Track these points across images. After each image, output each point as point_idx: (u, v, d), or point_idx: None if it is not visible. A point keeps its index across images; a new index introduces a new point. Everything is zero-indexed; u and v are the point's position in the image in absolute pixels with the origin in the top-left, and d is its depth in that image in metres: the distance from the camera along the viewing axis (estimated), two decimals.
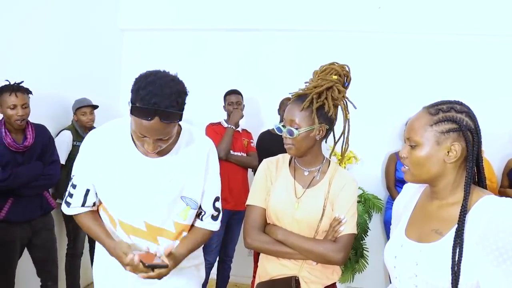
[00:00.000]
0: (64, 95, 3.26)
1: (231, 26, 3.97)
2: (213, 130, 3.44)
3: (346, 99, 1.61)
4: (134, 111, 1.26)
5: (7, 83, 2.48)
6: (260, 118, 3.97)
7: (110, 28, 4.06)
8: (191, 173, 1.51)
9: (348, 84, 1.61)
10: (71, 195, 1.51)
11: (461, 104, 1.14)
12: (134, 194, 1.45)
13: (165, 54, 4.07)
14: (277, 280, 1.61)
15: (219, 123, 3.52)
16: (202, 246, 1.68)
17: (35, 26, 3.06)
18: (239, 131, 3.52)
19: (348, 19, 3.80)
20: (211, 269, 3.36)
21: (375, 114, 3.74)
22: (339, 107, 1.60)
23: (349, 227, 1.55)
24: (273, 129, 3.46)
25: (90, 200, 1.51)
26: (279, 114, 3.46)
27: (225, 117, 3.52)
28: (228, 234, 3.47)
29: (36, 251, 2.70)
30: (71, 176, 1.52)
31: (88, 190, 1.49)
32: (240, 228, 3.48)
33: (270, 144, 3.37)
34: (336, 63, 1.60)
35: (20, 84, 2.50)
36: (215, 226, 1.65)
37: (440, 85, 3.62)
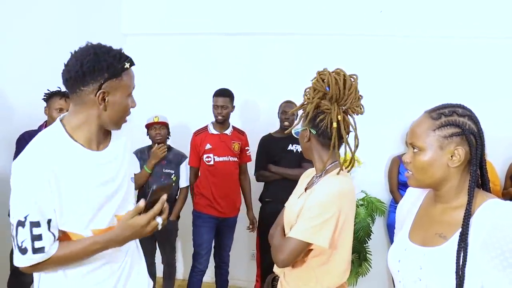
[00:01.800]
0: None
1: (232, 30, 3.98)
2: (194, 143, 3.32)
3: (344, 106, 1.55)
4: (123, 69, 1.30)
5: (58, 89, 2.66)
6: (259, 122, 3.95)
7: (112, 33, 4.06)
8: (126, 158, 1.50)
9: (329, 87, 1.52)
10: (39, 237, 1.22)
11: (463, 107, 1.14)
12: (102, 191, 1.35)
13: (167, 58, 4.08)
14: (269, 276, 1.72)
15: (205, 129, 3.36)
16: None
17: (38, 30, 3.08)
18: (227, 134, 3.35)
19: (350, 23, 3.81)
20: (203, 276, 3.31)
21: (378, 118, 3.73)
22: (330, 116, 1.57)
23: (296, 231, 1.46)
24: (275, 131, 3.47)
25: (54, 230, 1.27)
26: (279, 117, 3.45)
27: (213, 119, 3.36)
28: (220, 241, 3.39)
29: None
30: (24, 218, 1.21)
31: (50, 220, 1.25)
32: (233, 233, 3.42)
33: (271, 147, 3.37)
34: (341, 69, 1.58)
35: None
36: None
37: (443, 88, 3.61)
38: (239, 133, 3.46)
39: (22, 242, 1.23)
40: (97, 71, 1.26)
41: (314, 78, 1.60)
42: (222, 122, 3.31)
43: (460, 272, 1.02)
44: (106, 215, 1.37)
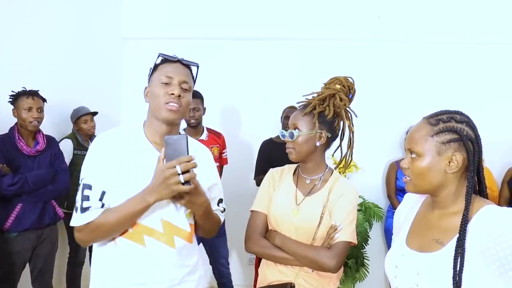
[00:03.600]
0: (65, 103, 3.27)
1: (232, 35, 3.99)
2: None
3: (349, 111, 1.68)
4: (161, 60, 1.47)
5: (24, 89, 2.62)
6: (261, 127, 3.96)
7: (111, 37, 4.08)
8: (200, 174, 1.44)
9: (352, 96, 1.67)
10: (87, 198, 1.34)
11: (461, 114, 1.15)
12: None
13: None
14: (273, 286, 1.63)
15: None
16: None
17: (37, 34, 3.08)
18: (203, 139, 3.13)
19: (349, 28, 3.83)
20: None
21: (376, 123, 3.75)
22: (344, 121, 1.66)
23: (344, 235, 1.55)
24: (276, 136, 3.45)
25: (107, 203, 1.35)
26: (281, 122, 3.45)
27: (184, 126, 3.20)
28: (215, 254, 3.20)
29: (37, 261, 2.71)
30: (81, 179, 1.38)
31: (104, 193, 1.35)
32: (225, 242, 3.28)
33: (272, 152, 3.36)
34: (350, 77, 1.68)
35: (37, 91, 2.66)
36: (222, 217, 1.65)
37: (440, 94, 3.63)
38: (216, 136, 3.29)
39: (76, 202, 1.37)
40: (150, 71, 1.50)
41: (329, 82, 1.66)
42: (195, 126, 3.13)
43: (457, 278, 1.02)
44: (152, 214, 1.38)
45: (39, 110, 2.61)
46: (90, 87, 3.64)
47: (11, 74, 2.83)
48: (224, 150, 3.35)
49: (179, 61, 1.48)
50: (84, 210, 1.34)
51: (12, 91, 2.62)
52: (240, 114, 3.97)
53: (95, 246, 1.44)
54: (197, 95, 3.12)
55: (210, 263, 3.27)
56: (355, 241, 1.59)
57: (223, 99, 3.84)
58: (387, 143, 3.82)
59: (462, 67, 3.71)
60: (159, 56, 1.48)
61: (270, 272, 1.67)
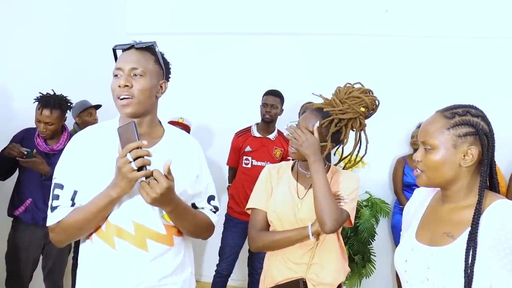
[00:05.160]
0: (70, 98, 3.27)
1: (238, 30, 3.97)
2: (236, 144, 3.23)
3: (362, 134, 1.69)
4: (116, 48, 1.46)
5: (48, 94, 2.59)
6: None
7: (116, 32, 4.07)
8: (178, 174, 1.34)
9: (371, 115, 1.70)
10: (56, 197, 1.34)
11: (475, 108, 1.15)
12: None
13: (172, 58, 4.04)
14: (284, 285, 1.63)
15: (248, 131, 3.27)
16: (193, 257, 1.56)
17: (41, 29, 3.09)
18: (270, 138, 3.24)
19: (356, 23, 3.80)
20: (225, 279, 3.23)
21: (382, 118, 3.70)
22: (357, 132, 1.68)
23: (347, 207, 1.58)
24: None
25: (79, 202, 1.34)
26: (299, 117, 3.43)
27: (259, 120, 3.29)
28: (253, 255, 3.27)
29: (48, 260, 2.75)
30: (53, 179, 1.38)
31: (76, 192, 1.34)
32: None
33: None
34: (370, 91, 1.71)
35: (61, 97, 2.63)
36: (215, 217, 1.56)
37: (448, 89, 3.59)
38: (284, 140, 3.28)
39: (49, 202, 1.36)
40: None
41: (355, 99, 1.65)
42: (269, 122, 3.20)
43: (469, 271, 1.02)
44: (119, 214, 1.34)
45: (49, 124, 2.52)
46: (94, 82, 3.63)
47: (15, 70, 2.83)
48: (289, 157, 3.33)
49: (133, 46, 1.43)
50: (53, 209, 1.33)
51: (40, 93, 2.59)
52: (248, 109, 3.95)
53: (80, 241, 1.43)
54: (278, 94, 3.21)
55: (248, 259, 3.35)
56: (352, 222, 1.63)
57: (228, 94, 3.81)
58: (394, 139, 3.79)
59: (470, 62, 3.66)
60: (114, 49, 1.46)
61: (277, 270, 1.66)
